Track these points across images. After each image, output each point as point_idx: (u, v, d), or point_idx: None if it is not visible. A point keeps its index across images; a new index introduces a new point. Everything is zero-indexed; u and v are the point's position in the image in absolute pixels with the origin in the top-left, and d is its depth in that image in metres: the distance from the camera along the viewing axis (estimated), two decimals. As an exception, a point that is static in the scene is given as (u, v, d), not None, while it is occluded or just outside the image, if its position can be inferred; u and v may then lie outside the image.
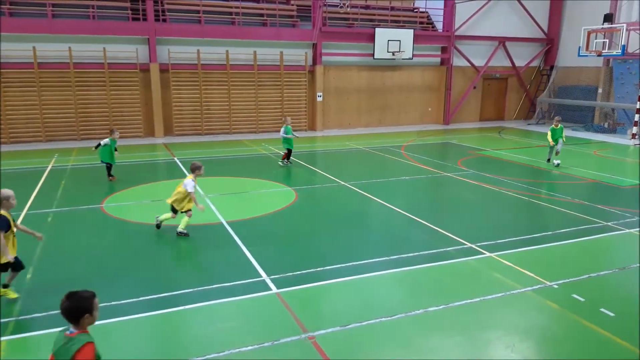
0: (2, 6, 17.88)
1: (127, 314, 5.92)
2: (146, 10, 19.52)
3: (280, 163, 15.02)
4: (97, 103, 19.55)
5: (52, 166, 14.44)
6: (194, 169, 8.72)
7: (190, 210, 8.69)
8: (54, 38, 18.49)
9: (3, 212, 5.97)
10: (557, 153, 14.95)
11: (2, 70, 17.96)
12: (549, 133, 14.93)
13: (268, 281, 6.83)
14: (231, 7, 21.63)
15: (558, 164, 14.82)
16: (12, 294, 6.29)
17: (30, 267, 7.24)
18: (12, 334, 5.48)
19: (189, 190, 8.49)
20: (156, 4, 20.06)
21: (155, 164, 15.55)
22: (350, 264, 7.47)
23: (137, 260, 7.71)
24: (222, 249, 8.16)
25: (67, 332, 3.23)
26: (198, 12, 20.77)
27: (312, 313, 6.08)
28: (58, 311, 5.59)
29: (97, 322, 5.59)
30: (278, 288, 6.61)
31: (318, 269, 7.31)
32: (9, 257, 6.01)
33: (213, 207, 10.42)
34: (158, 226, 8.88)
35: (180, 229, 8.64)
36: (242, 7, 21.66)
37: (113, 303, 6.16)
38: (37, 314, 5.88)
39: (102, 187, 12.09)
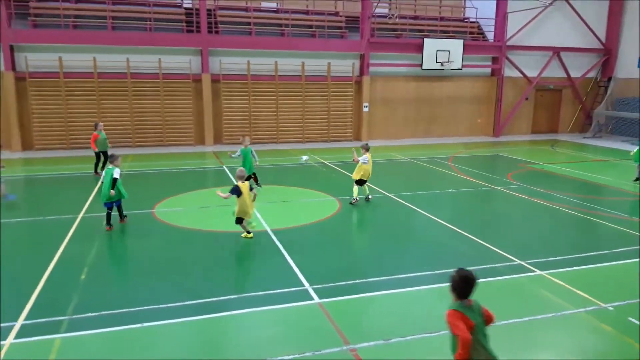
0: (67, 19, 18.97)
1: (170, 318, 6.08)
2: (200, 22, 20.18)
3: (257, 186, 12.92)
4: (152, 112, 20.33)
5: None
6: (368, 148, 11.60)
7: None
8: (113, 49, 19.40)
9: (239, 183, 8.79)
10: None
11: (64, 80, 19.01)
12: (637, 152, 14.19)
13: (310, 291, 6.85)
14: (281, 19, 22.05)
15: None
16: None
17: (85, 268, 7.59)
18: (65, 332, 5.73)
19: (362, 161, 11.35)
20: (209, 17, 20.72)
21: (204, 172, 15.96)
22: (394, 276, 7.38)
23: (182, 265, 7.93)
24: (266, 256, 8.27)
25: (467, 304, 3.95)
26: (249, 24, 21.29)
27: (353, 325, 6.04)
28: (110, 312, 5.78)
29: (141, 325, 5.85)
30: (320, 298, 6.61)
31: (361, 280, 7.27)
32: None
33: (259, 215, 10.57)
34: (367, 199, 11.82)
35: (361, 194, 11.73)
36: (292, 19, 22.03)
37: (161, 306, 6.35)
38: (90, 314, 6.14)
39: (154, 193, 12.50)
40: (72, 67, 19.12)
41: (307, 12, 23.12)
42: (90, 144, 14.71)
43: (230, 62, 20.84)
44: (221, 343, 5.65)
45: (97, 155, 14.65)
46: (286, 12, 22.57)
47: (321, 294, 6.74)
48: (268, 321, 6.10)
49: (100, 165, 14.61)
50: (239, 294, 6.73)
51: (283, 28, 21.67)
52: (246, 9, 22.22)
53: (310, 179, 14.65)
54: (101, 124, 14.99)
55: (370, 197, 11.96)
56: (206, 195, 12.54)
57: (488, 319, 4.07)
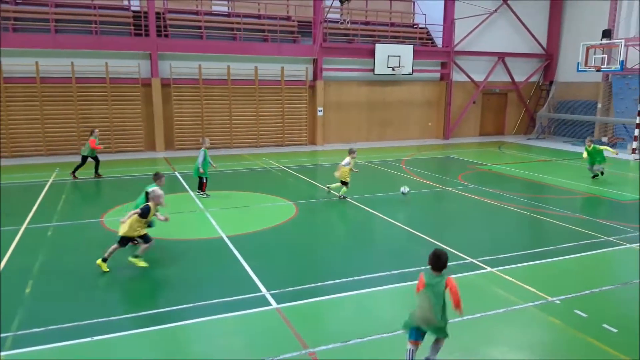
0: (6, 22, 18.09)
1: (122, 330, 5.88)
2: (148, 26, 19.70)
3: (204, 195, 12.65)
4: (99, 117, 19.63)
5: (53, 180, 14.45)
6: (352, 152, 12.41)
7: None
8: (56, 53, 18.65)
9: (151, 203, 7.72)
10: (601, 173, 15.19)
11: (4, 85, 18.11)
12: (585, 154, 15.14)
13: (268, 296, 6.79)
14: (232, 23, 21.85)
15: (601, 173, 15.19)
16: (143, 263, 7.72)
17: (30, 281, 7.22)
18: (10, 349, 5.43)
19: (344, 164, 12.07)
20: (158, 20, 20.26)
21: (155, 178, 15.55)
22: (351, 278, 7.43)
23: (134, 274, 7.68)
24: (222, 263, 8.13)
25: (432, 272, 5.08)
26: (200, 27, 20.97)
27: (312, 328, 6.03)
28: (58, 326, 5.55)
29: (95, 338, 5.62)
30: (278, 303, 6.57)
31: (318, 283, 7.28)
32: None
33: (213, 222, 10.40)
34: (329, 191, 12.57)
35: (342, 193, 12.38)
36: (244, 23, 21.87)
37: (112, 318, 6.13)
38: (36, 329, 5.84)
39: (102, 201, 12.09)
40: (13, 72, 18.21)
41: (259, 17, 23.02)
42: (98, 148, 14.91)
43: (181, 67, 20.45)
44: (177, 353, 5.51)
45: (84, 159, 14.81)
46: (238, 16, 22.38)
47: (279, 299, 6.70)
48: (225, 329, 6.00)
49: (79, 169, 14.85)
50: (195, 303, 6.58)
51: (235, 32, 21.48)
52: (197, 13, 21.89)
53: (266, 184, 14.55)
54: (97, 130, 15.24)
55: (337, 194, 12.57)
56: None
57: (451, 289, 5.06)
